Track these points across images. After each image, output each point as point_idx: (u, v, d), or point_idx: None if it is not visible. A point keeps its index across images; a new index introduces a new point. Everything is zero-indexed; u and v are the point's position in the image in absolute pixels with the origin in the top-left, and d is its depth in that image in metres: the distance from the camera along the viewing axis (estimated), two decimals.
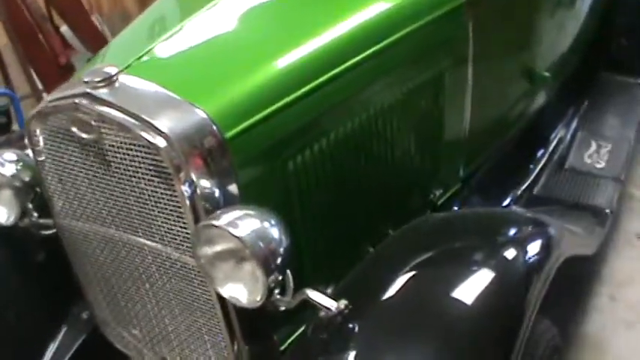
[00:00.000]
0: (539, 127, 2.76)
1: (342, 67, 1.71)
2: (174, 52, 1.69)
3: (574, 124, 2.98)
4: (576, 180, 2.66)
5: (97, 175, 1.60)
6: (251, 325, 1.61)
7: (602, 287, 2.59)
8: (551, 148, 2.78)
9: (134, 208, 1.58)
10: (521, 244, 1.63)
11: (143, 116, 1.45)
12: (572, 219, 2.41)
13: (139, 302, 1.77)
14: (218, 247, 1.42)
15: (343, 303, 1.45)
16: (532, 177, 2.64)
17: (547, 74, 2.51)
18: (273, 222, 1.44)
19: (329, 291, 1.56)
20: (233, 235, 1.38)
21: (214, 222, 1.40)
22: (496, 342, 1.44)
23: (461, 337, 1.41)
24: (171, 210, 1.51)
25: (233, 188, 1.53)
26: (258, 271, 1.40)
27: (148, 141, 1.44)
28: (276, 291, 1.44)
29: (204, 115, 1.49)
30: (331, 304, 1.44)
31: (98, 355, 2.01)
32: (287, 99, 1.61)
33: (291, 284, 1.46)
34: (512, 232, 1.69)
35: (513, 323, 1.47)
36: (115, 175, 1.56)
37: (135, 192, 1.55)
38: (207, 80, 1.61)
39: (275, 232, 1.43)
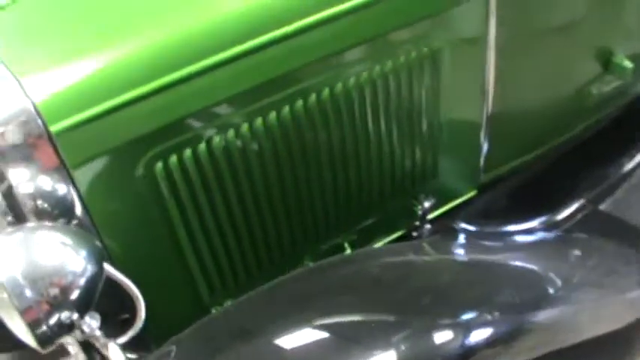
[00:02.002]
0: (621, 128, 2.18)
1: (245, 46, 1.40)
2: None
3: None
4: None
5: None
6: None
7: None
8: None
9: None
10: None
11: None
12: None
13: None
14: None
15: None
16: (599, 189, 2.07)
17: (630, 64, 1.94)
18: (71, 249, 1.23)
19: None
20: None
21: None
22: None
23: None
24: None
25: (64, 191, 1.33)
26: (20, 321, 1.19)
27: None
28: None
29: (28, 104, 1.28)
30: None
31: None
32: (145, 88, 1.35)
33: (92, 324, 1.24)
34: None
35: None
36: None
37: None
38: (40, 59, 1.37)
39: (68, 264, 1.22)
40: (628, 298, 1.70)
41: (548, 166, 2.07)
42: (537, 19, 1.73)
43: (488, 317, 1.44)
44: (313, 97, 1.50)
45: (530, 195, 2.04)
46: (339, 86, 1.52)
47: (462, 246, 1.84)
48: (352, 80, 1.53)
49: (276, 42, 1.42)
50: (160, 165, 1.40)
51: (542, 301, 1.59)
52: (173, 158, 1.41)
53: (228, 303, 1.63)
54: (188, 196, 1.47)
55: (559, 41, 1.80)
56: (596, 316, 1.66)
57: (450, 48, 1.62)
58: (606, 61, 1.93)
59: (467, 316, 1.42)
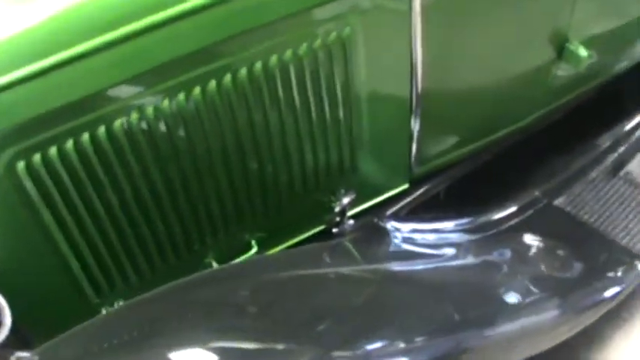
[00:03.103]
0: (582, 119, 1.98)
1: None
2: None
3: None
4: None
5: None
6: None
7: None
8: (600, 149, 1.99)
9: None
10: None
11: None
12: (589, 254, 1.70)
13: None
14: None
15: None
16: (558, 181, 1.89)
17: (585, 53, 1.73)
18: None
19: None
20: None
21: None
22: None
23: None
24: None
25: None
26: None
27: None
28: None
29: None
30: None
31: None
32: None
33: None
34: None
35: None
36: None
37: None
38: None
39: None
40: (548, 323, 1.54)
41: (494, 157, 1.89)
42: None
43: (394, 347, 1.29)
44: (213, 83, 1.34)
45: (473, 189, 1.87)
46: (242, 71, 1.35)
47: (382, 247, 1.68)
48: (258, 65, 1.36)
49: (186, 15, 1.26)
50: (21, 165, 1.25)
51: (465, 323, 1.44)
52: (36, 157, 1.26)
53: (120, 303, 1.50)
54: (59, 196, 1.32)
55: (503, 15, 1.60)
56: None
57: (366, 25, 1.43)
58: (560, 47, 1.72)
59: (365, 346, 1.26)
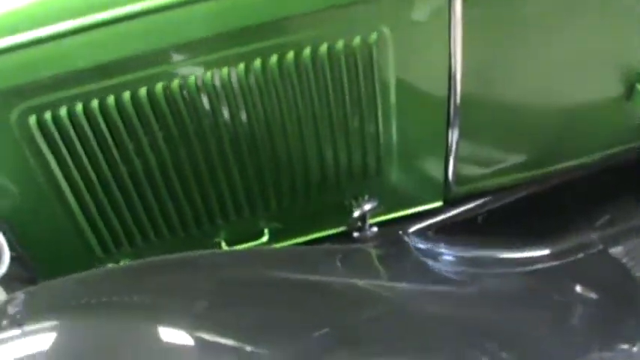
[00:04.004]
0: None
1: None
2: None
3: None
4: None
5: None
6: None
7: None
8: None
9: None
10: None
11: None
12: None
13: None
14: None
15: None
16: (620, 228, 1.75)
17: None
18: None
19: None
20: None
21: None
22: None
23: None
24: None
25: None
26: None
27: None
28: None
29: None
30: None
31: None
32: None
33: None
34: None
35: None
36: None
37: None
38: None
39: None
40: None
41: (550, 189, 1.76)
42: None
43: None
44: (258, 62, 1.33)
45: (518, 219, 1.75)
46: (273, 58, 1.34)
47: (400, 263, 1.61)
48: (290, 55, 1.33)
49: None
50: (33, 119, 1.30)
51: None
52: (47, 115, 1.30)
53: (126, 262, 1.54)
54: (67, 152, 1.36)
55: (562, 36, 1.47)
56: None
57: (398, 32, 1.36)
58: (629, 86, 1.57)
59: None
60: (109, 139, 1.35)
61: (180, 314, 1.09)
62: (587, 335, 1.52)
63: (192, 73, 1.31)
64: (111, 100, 1.30)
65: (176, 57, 1.30)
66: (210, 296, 1.17)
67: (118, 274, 1.28)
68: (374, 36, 1.32)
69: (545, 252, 1.69)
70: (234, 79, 1.32)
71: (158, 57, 1.29)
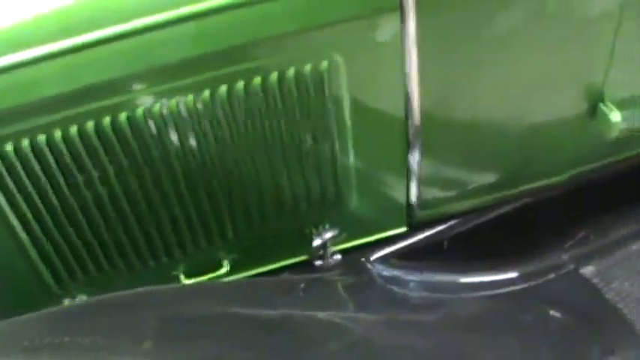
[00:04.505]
0: (634, 184, 1.78)
1: None
2: None
3: None
4: None
5: None
6: None
7: None
8: None
9: None
10: None
11: None
12: None
13: None
14: None
15: None
16: (591, 248, 1.71)
17: (617, 119, 1.54)
18: None
19: None
20: None
21: None
22: None
23: None
24: None
25: None
26: None
27: None
28: None
29: None
30: None
31: None
32: None
33: None
34: None
35: None
36: None
37: None
38: None
39: None
40: None
41: (519, 211, 1.73)
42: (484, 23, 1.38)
43: None
44: (207, 92, 1.29)
45: (486, 242, 1.71)
46: (222, 88, 1.30)
47: (364, 292, 1.57)
48: (240, 84, 1.30)
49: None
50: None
51: None
52: None
53: (83, 297, 1.50)
54: (14, 186, 1.32)
55: (521, 56, 1.43)
56: None
57: (350, 58, 1.32)
58: (592, 106, 1.54)
59: None
60: (58, 172, 1.30)
61: (128, 354, 1.06)
62: (556, 357, 1.49)
63: (157, 101, 1.27)
64: (58, 134, 1.25)
65: (140, 85, 1.26)
66: (157, 334, 1.13)
67: (67, 314, 1.24)
68: (325, 64, 1.28)
69: (514, 274, 1.65)
70: (182, 107, 1.28)
71: (121, 85, 1.25)
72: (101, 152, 1.30)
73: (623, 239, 1.74)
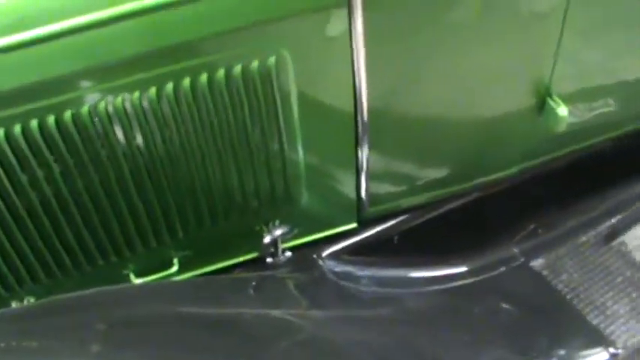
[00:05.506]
0: (582, 176, 1.79)
1: None
2: None
3: None
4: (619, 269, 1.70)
5: None
6: None
7: None
8: (595, 212, 1.79)
9: None
10: None
11: None
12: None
13: None
14: None
15: None
16: (541, 240, 1.72)
17: (564, 113, 1.55)
18: None
19: None
20: None
21: None
22: None
23: None
24: None
25: None
26: None
27: None
28: None
29: None
30: None
31: None
32: None
33: None
34: None
35: None
36: None
37: None
38: None
39: None
40: None
41: (469, 205, 1.74)
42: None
43: None
44: (153, 90, 1.27)
45: (436, 236, 1.72)
46: (168, 86, 1.28)
47: (316, 288, 1.56)
48: (186, 81, 1.28)
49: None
50: None
51: None
52: None
53: (31, 300, 1.46)
54: None
55: (468, 49, 1.44)
56: None
57: (298, 53, 1.31)
58: (541, 100, 1.55)
59: None
60: (1, 173, 1.27)
61: (76, 358, 1.04)
62: (506, 349, 1.50)
63: (102, 99, 1.25)
64: (0, 133, 1.22)
65: (84, 83, 1.23)
66: (106, 337, 1.11)
67: (14, 318, 1.21)
68: (272, 59, 1.27)
69: (464, 268, 1.66)
70: (127, 105, 1.26)
71: (65, 83, 1.22)
72: (46, 151, 1.26)
73: (571, 231, 1.76)
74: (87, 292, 1.21)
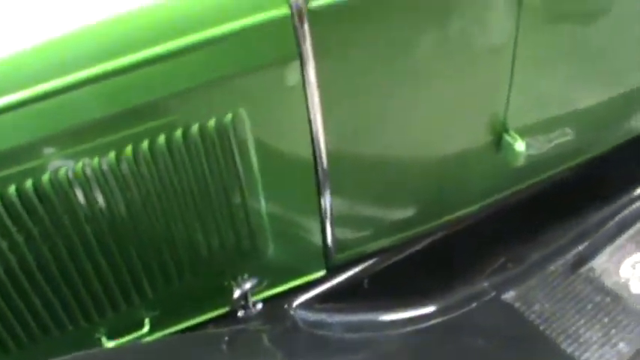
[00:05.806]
0: (545, 206, 1.82)
1: None
2: None
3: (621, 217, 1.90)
4: (591, 299, 1.71)
5: None
6: None
7: None
8: (562, 240, 1.81)
9: None
10: None
11: None
12: None
13: None
14: None
15: None
16: (511, 273, 1.73)
17: (521, 148, 1.57)
18: None
19: None
20: None
21: None
22: None
23: None
24: None
25: None
26: None
27: None
28: None
29: None
30: None
31: None
32: None
33: None
34: None
35: None
36: None
37: None
38: None
39: None
40: None
41: (437, 243, 1.75)
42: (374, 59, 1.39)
43: None
44: (112, 154, 1.28)
45: (406, 277, 1.72)
46: (128, 149, 1.28)
47: (289, 340, 1.56)
48: (145, 143, 1.28)
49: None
50: None
51: None
52: None
53: None
54: None
55: (421, 92, 1.46)
56: None
57: (253, 109, 1.33)
58: (498, 137, 1.57)
59: None
60: None
61: None
62: None
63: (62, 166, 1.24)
64: None
65: (44, 150, 1.23)
66: None
67: None
68: (229, 116, 1.28)
69: (436, 307, 1.67)
70: (88, 170, 1.26)
71: (26, 152, 1.22)
72: (7, 220, 1.25)
73: (540, 262, 1.77)
74: None
